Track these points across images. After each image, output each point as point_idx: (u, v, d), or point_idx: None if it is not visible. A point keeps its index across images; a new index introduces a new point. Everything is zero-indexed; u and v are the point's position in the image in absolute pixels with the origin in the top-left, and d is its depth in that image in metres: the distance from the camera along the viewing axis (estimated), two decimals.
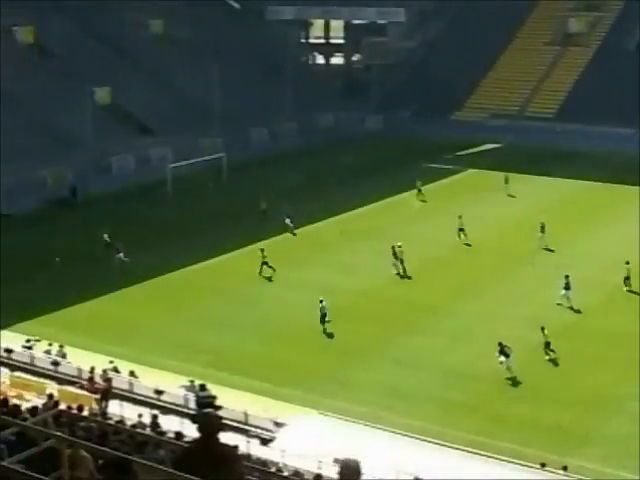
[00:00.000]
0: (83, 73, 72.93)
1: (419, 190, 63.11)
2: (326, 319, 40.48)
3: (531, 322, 40.23)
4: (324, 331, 40.35)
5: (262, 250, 47.77)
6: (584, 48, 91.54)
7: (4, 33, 76.96)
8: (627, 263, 45.58)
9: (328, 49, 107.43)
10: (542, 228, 52.38)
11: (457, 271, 48.80)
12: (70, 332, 40.12)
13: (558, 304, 42.81)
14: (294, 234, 54.55)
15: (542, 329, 37.62)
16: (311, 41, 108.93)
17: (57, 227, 56.41)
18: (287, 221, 54.89)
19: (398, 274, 47.33)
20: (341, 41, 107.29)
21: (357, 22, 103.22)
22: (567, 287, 42.91)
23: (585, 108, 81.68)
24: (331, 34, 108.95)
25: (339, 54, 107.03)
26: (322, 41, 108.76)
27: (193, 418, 8.59)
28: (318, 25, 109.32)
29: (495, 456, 30.22)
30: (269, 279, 47.25)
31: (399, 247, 48.01)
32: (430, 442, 31.20)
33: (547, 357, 37.48)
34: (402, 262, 47.85)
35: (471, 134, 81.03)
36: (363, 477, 7.87)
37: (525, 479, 28.70)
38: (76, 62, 75.90)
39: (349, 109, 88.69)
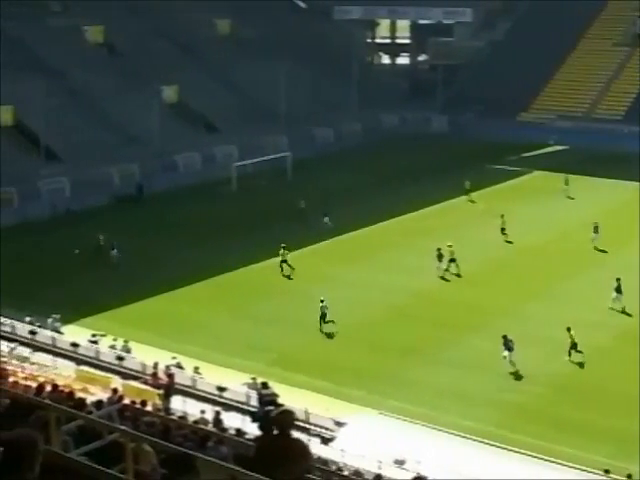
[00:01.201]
0: (151, 72, 73.59)
1: (467, 191, 62.84)
2: (326, 319, 40.32)
3: (589, 325, 39.87)
4: (321, 330, 40.26)
5: (284, 247, 47.83)
6: None
7: (74, 33, 78.04)
8: None
9: (394, 49, 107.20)
10: (596, 229, 52.06)
11: (515, 273, 48.42)
12: (134, 328, 40.52)
13: (610, 308, 42.28)
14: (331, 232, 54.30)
15: (568, 329, 37.17)
16: (377, 41, 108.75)
17: (123, 223, 56.97)
18: (325, 219, 54.95)
19: (442, 277, 46.96)
20: (407, 41, 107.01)
21: (423, 22, 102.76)
22: (618, 290, 42.33)
23: None
24: (397, 34, 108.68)
25: (405, 54, 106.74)
26: (388, 41, 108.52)
27: (261, 415, 8.68)
28: (384, 25, 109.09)
29: (556, 461, 29.93)
30: (289, 277, 47.35)
31: (449, 246, 47.82)
32: (490, 445, 30.99)
33: (567, 358, 37.04)
34: (453, 261, 47.61)
35: (537, 136, 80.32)
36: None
37: None
38: (144, 61, 76.58)
39: (414, 109, 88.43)
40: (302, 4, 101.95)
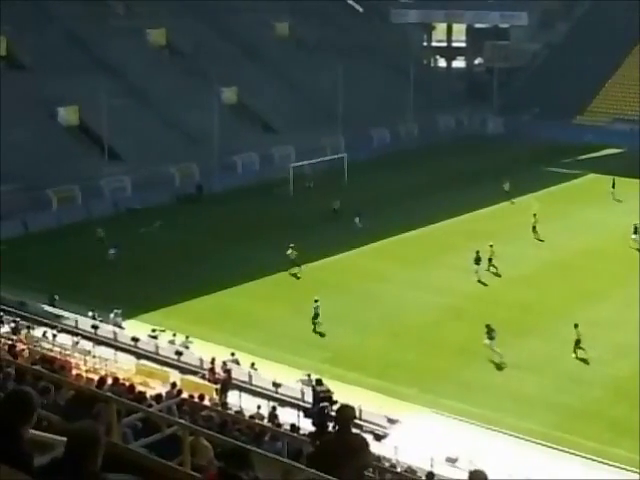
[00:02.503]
0: (211, 73, 74.06)
1: (507, 192, 62.36)
2: (318, 319, 40.08)
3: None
4: (314, 330, 40.05)
5: (291, 247, 47.80)
6: None
7: (137, 34, 78.80)
8: None
9: (450, 52, 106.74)
10: (636, 229, 51.54)
11: (570, 275, 47.86)
12: (193, 323, 40.82)
13: None
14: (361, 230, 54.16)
15: (575, 326, 37.16)
16: (433, 44, 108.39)
17: (184, 222, 57.40)
18: (356, 220, 54.79)
19: (479, 281, 46.39)
20: (463, 44, 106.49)
21: (479, 26, 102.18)
22: None
23: None
24: (453, 37, 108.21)
25: (461, 57, 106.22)
26: (444, 44, 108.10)
27: (323, 410, 8.73)
28: (441, 28, 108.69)
29: (611, 463, 29.58)
30: (296, 277, 47.34)
31: (490, 246, 47.61)
32: (545, 446, 30.71)
33: (574, 355, 37.02)
34: (490, 261, 47.38)
35: (593, 138, 79.47)
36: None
37: None
38: (205, 63, 76.97)
39: (470, 112, 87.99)
40: (359, 7, 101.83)
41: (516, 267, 48.27)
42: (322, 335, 39.96)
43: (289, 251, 47.76)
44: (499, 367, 36.90)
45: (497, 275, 47.39)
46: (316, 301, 40.48)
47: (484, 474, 8.54)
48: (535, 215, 54.18)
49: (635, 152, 75.34)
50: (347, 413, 8.68)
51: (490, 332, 36.86)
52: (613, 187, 63.12)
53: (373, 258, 50.25)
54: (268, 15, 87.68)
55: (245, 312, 42.77)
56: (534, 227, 53.98)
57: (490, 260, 47.59)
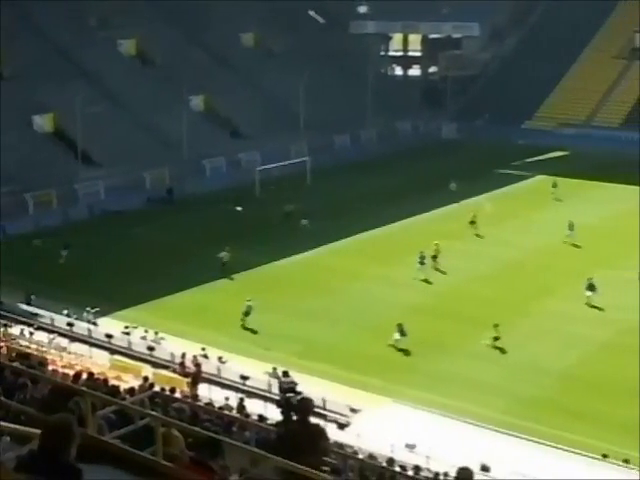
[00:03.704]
0: (182, 81, 73.91)
1: (453, 192, 62.50)
2: (247, 316, 39.80)
3: (591, 321, 39.88)
4: (243, 326, 39.77)
5: (226, 249, 47.03)
6: None
7: (111, 45, 78.44)
8: None
9: (406, 61, 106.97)
10: (571, 226, 52.07)
11: (519, 271, 48.19)
12: (164, 320, 40.64)
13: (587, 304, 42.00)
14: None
15: (495, 326, 37.19)
16: (391, 54, 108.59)
17: (155, 224, 57.15)
18: (303, 222, 54.47)
19: (425, 281, 46.18)
20: (418, 54, 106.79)
21: (434, 36, 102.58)
22: (591, 288, 41.89)
23: None
24: (409, 47, 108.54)
25: (416, 66, 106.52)
26: (401, 54, 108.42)
27: (287, 401, 8.72)
28: (397, 39, 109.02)
29: (558, 446, 29.83)
30: (230, 278, 46.81)
31: (436, 245, 47.70)
32: (499, 431, 30.90)
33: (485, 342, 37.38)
34: (435, 259, 47.47)
35: (540, 142, 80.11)
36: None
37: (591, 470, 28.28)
38: (175, 71, 76.57)
39: (426, 118, 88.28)
40: (320, 19, 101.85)
41: (466, 264, 48.43)
42: (254, 332, 39.43)
43: (222, 253, 47.09)
44: (458, 358, 37.05)
45: (442, 272, 47.34)
46: (249, 300, 40.05)
47: (470, 471, 8.64)
48: (475, 213, 54.80)
49: (579, 154, 76.22)
50: (306, 404, 8.70)
51: (401, 330, 37.15)
52: (554, 187, 63.62)
53: (333, 257, 50.37)
54: (235, 26, 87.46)
55: (214, 308, 42.69)
56: (472, 222, 54.42)
57: (434, 257, 47.58)
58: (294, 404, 8.73)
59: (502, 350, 37.45)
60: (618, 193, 64.62)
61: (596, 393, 34.11)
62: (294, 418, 8.56)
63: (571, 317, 41.35)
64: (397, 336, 37.44)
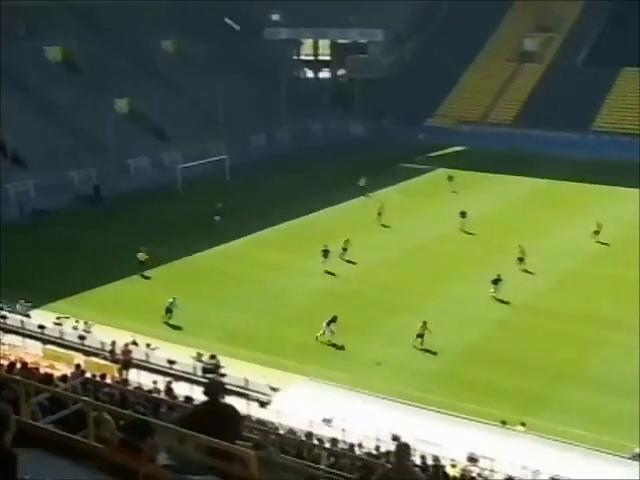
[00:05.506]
0: (106, 85, 72.86)
1: (362, 187, 62.71)
2: (170, 313, 39.04)
3: (488, 303, 40.61)
4: (167, 323, 39.05)
5: (142, 249, 45.91)
6: (537, 64, 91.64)
7: (38, 52, 76.87)
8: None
9: (317, 65, 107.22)
10: (463, 214, 52.93)
11: (422, 258, 48.81)
12: (95, 311, 40.12)
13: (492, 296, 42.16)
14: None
15: (424, 323, 36.70)
16: (302, 58, 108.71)
17: (83, 221, 56.30)
18: (216, 218, 53.67)
19: (329, 272, 45.79)
20: (328, 58, 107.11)
21: (342, 41, 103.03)
22: (496, 282, 41.86)
23: (539, 116, 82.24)
24: (319, 52, 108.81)
25: (326, 69, 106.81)
26: (312, 58, 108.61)
27: (208, 381, 8.75)
28: (308, 44, 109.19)
29: (461, 416, 30.36)
30: (146, 277, 45.68)
31: (346, 241, 47.84)
32: (407, 405, 31.30)
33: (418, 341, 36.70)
34: (345, 250, 47.57)
35: (441, 139, 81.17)
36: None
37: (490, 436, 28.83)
38: (99, 76, 75.53)
39: (335, 118, 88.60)
40: (236, 26, 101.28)
41: (375, 253, 48.79)
42: (177, 328, 38.80)
43: (139, 254, 46.05)
44: (370, 339, 37.39)
45: (353, 263, 47.44)
46: (174, 299, 39.37)
47: (407, 445, 8.75)
48: (382, 204, 55.30)
49: (475, 150, 77.52)
50: (214, 386, 8.74)
51: (332, 320, 36.79)
52: (450, 180, 64.43)
53: (251, 249, 50.38)
54: (156, 33, 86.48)
55: (142, 299, 42.28)
56: (379, 214, 54.79)
57: (345, 249, 47.69)
58: (204, 385, 8.76)
59: (408, 330, 37.89)
60: (510, 185, 65.97)
61: (494, 367, 34.85)
62: (204, 399, 8.57)
63: (469, 298, 42.10)
64: (330, 326, 36.94)
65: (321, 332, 37.08)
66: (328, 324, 36.96)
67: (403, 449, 9.19)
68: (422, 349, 36.30)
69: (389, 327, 38.63)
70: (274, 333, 38.08)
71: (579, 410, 31.23)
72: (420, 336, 36.56)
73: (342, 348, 36.74)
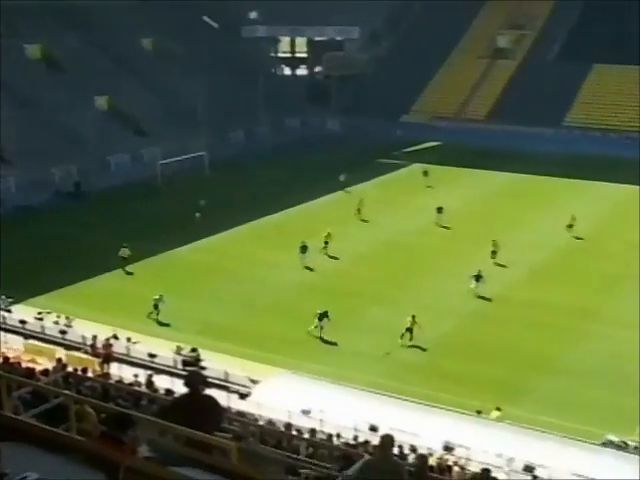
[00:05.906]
0: (86, 83, 72.39)
1: (342, 182, 62.67)
2: (157, 310, 38.63)
3: (459, 294, 40.77)
4: (156, 321, 38.66)
5: (125, 246, 45.49)
6: (510, 61, 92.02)
7: (17, 50, 76.24)
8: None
9: (294, 62, 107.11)
10: (439, 210, 53.06)
11: (400, 252, 48.94)
12: (76, 306, 39.91)
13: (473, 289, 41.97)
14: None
15: (412, 317, 36.31)
16: (279, 55, 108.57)
17: (64, 217, 55.98)
18: (197, 215, 53.49)
19: (307, 268, 45.58)
20: (305, 55, 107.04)
21: (319, 39, 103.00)
22: (477, 279, 41.65)
23: (512, 111, 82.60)
24: (296, 49, 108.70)
25: (303, 66, 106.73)
26: (289, 55, 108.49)
27: (188, 373, 8.73)
28: (285, 42, 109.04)
29: (437, 406, 30.46)
30: (129, 273, 45.64)
31: (328, 235, 47.72)
32: (384, 395, 31.35)
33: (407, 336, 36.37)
34: (327, 244, 47.42)
35: (416, 134, 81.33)
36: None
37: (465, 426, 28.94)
38: (80, 73, 75.12)
39: (312, 114, 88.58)
40: (214, 24, 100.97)
41: (352, 247, 48.84)
42: (164, 324, 38.54)
43: (121, 251, 45.65)
44: (348, 331, 37.41)
45: (333, 257, 47.44)
46: (161, 296, 39.06)
47: (391, 437, 8.77)
48: (361, 200, 55.33)
49: (449, 145, 77.78)
50: (194, 377, 8.74)
51: (322, 316, 36.70)
52: (425, 175, 64.50)
53: (230, 244, 50.31)
54: (135, 31, 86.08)
55: (123, 293, 42.12)
56: (358, 209, 54.77)
57: (326, 243, 47.61)
58: (184, 377, 8.75)
59: (385, 322, 37.99)
60: (484, 179, 66.25)
61: (470, 358, 35.01)
62: (184, 391, 8.56)
63: (446, 291, 42.24)
64: (319, 324, 36.85)
65: (313, 326, 36.90)
66: (320, 319, 36.75)
67: (387, 440, 9.23)
68: (402, 342, 36.24)
69: (367, 319, 38.70)
70: (254, 327, 38.03)
71: (553, 399, 31.45)
72: (409, 330, 36.23)
73: (323, 341, 36.73)
